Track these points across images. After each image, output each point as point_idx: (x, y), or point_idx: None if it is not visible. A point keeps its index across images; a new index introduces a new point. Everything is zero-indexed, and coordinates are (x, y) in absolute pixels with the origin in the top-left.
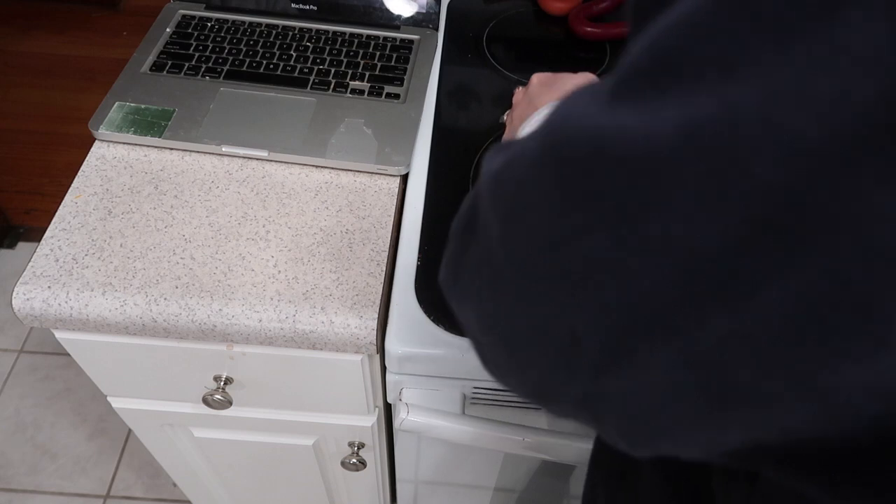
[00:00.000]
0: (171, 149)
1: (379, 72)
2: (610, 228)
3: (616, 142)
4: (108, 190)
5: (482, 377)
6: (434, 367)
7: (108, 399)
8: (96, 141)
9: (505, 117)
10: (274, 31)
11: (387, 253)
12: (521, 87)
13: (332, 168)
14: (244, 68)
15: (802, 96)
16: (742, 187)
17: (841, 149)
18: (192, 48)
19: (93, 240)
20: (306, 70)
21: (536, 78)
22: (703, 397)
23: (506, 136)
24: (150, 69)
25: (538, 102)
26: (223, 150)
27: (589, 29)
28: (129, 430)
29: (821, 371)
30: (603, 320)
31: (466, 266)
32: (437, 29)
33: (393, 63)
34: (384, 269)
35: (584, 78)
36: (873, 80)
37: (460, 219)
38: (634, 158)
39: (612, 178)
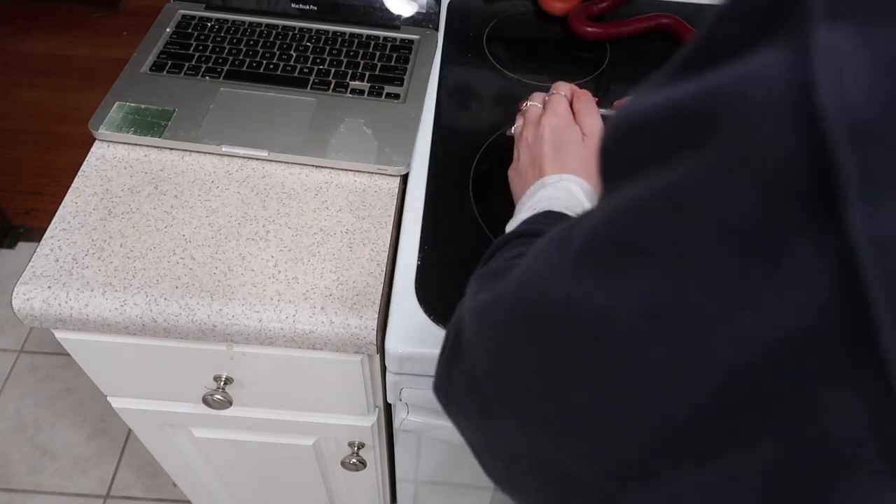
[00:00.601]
0: (171, 149)
1: (379, 72)
2: (588, 389)
3: (583, 313)
4: (108, 190)
5: None
6: (434, 367)
7: (108, 399)
8: (96, 141)
9: (512, 131)
10: (274, 31)
11: (387, 253)
12: (528, 105)
13: (332, 168)
14: (244, 68)
15: (746, 306)
16: (698, 370)
17: (789, 352)
18: (192, 48)
19: (93, 240)
20: (306, 70)
21: (549, 125)
22: None
23: (512, 178)
24: (150, 69)
25: (544, 167)
26: (223, 150)
27: (589, 29)
28: (129, 430)
29: None
30: (593, 465)
31: (455, 387)
32: (437, 29)
33: (393, 63)
34: (384, 269)
35: (587, 150)
36: (816, 300)
37: (446, 338)
38: (601, 330)
39: (584, 346)
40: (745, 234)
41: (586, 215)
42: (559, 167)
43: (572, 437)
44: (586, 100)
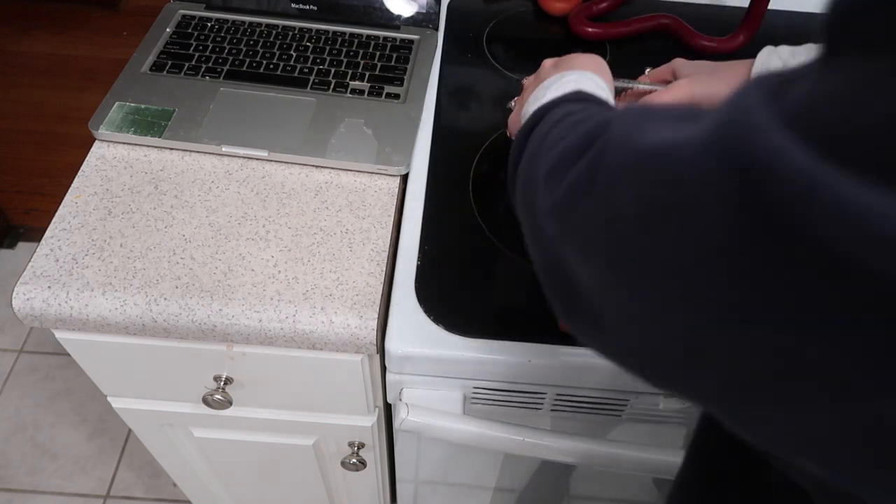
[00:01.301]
0: (171, 149)
1: (379, 72)
2: (806, 275)
3: (820, 200)
4: (108, 190)
5: (482, 377)
6: (434, 367)
7: (108, 399)
8: (96, 141)
9: (513, 103)
10: (274, 31)
11: (387, 253)
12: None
13: (332, 168)
14: (244, 68)
15: None
16: None
17: None
18: (192, 48)
19: (93, 240)
20: (306, 70)
21: (548, 62)
22: (872, 450)
23: (512, 118)
24: (150, 69)
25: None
26: (223, 150)
27: (589, 29)
28: (129, 430)
29: None
30: (765, 356)
31: (577, 222)
32: (437, 29)
33: (393, 63)
34: (384, 269)
35: (590, 58)
36: None
37: (561, 161)
38: (841, 229)
39: (803, 231)
40: None
41: (804, 76)
42: (564, 69)
43: (743, 315)
44: None
